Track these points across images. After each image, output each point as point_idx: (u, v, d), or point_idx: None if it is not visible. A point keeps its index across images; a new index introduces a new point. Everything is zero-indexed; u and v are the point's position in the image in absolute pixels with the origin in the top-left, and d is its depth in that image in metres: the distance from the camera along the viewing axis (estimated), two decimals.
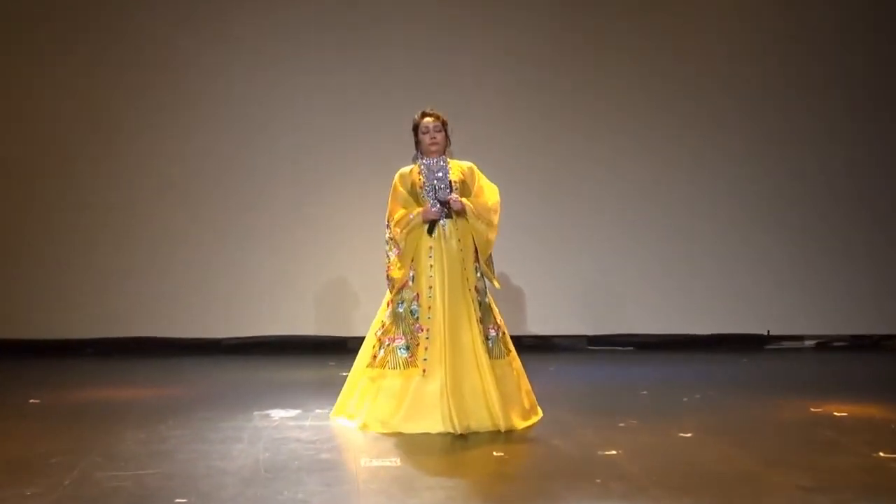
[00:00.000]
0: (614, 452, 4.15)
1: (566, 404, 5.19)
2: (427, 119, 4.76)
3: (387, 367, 4.62)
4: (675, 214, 7.85)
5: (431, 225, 4.67)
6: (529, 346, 7.08)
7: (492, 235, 4.73)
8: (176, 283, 7.53)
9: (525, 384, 4.82)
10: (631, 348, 7.85)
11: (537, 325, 7.74)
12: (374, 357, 4.68)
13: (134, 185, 7.51)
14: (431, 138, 4.74)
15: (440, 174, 4.74)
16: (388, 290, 4.75)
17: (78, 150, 7.48)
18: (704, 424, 4.71)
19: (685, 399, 5.48)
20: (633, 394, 5.67)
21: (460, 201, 4.68)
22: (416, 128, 4.80)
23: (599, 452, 4.16)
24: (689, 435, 4.50)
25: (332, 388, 5.15)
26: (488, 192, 4.79)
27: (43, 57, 7.43)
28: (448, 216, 4.67)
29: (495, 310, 4.83)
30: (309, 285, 7.63)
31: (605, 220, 7.81)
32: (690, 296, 7.80)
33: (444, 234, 4.68)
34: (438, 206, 4.67)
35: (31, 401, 5.36)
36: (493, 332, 4.74)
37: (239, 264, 7.58)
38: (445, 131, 4.77)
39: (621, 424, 4.72)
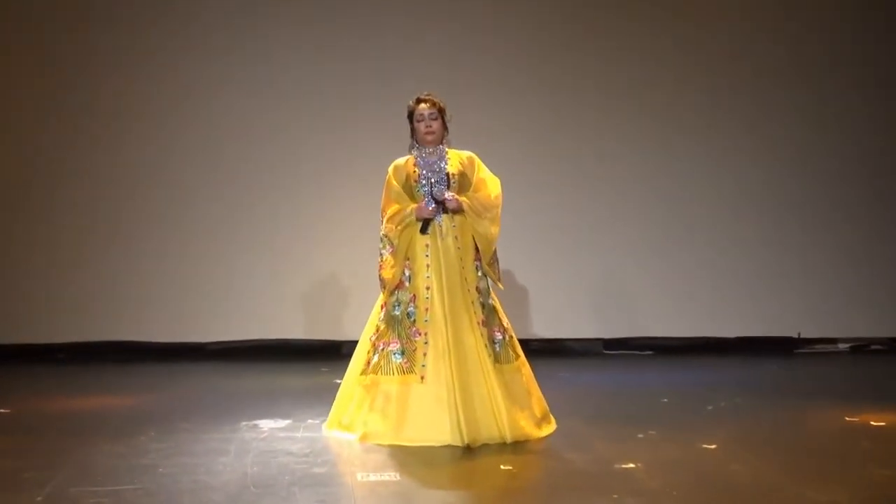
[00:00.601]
0: (632, 466, 4.15)
1: (579, 414, 5.19)
2: (422, 106, 4.75)
3: (381, 373, 4.62)
4: (698, 212, 7.87)
5: (425, 224, 4.68)
6: (538, 351, 7.07)
7: (493, 232, 4.73)
8: (156, 284, 7.57)
9: (536, 391, 4.83)
10: (650, 352, 7.87)
11: (547, 328, 7.76)
12: (368, 363, 4.69)
13: (113, 183, 7.56)
14: (427, 126, 4.73)
15: (436, 167, 4.74)
16: (381, 292, 4.77)
17: (58, 150, 7.56)
18: (730, 435, 4.72)
19: (709, 407, 5.49)
20: (652, 402, 5.68)
21: (456, 199, 4.68)
22: (411, 115, 4.79)
23: (616, 466, 4.16)
24: (713, 447, 4.50)
25: (325, 397, 5.17)
26: (490, 185, 4.79)
27: (28, 67, 7.56)
28: (444, 212, 4.68)
29: (501, 312, 4.84)
30: (299, 285, 7.67)
31: (621, 216, 7.84)
32: (715, 296, 7.82)
33: (440, 231, 4.69)
34: (434, 203, 4.67)
35: None
36: (498, 335, 4.75)
37: (225, 263, 7.62)
38: (443, 119, 4.75)
39: (640, 435, 4.73)
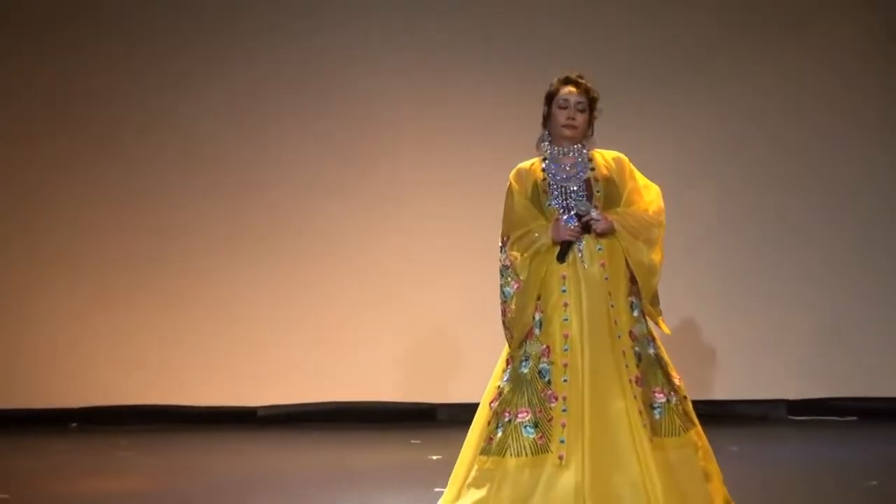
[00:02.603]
0: None
1: (759, 500, 5.08)
2: (569, 89, 4.70)
3: (508, 453, 4.51)
4: None
5: (564, 248, 4.58)
6: (700, 416, 6.86)
7: (654, 260, 4.64)
8: (195, 335, 7.75)
9: (716, 471, 4.68)
10: (854, 418, 7.73)
11: (711, 386, 7.70)
12: (491, 439, 4.58)
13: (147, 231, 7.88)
14: (569, 117, 4.67)
15: (574, 172, 4.66)
16: (505, 343, 4.68)
17: (75, 207, 7.92)
18: None
19: None
20: (857, 485, 5.58)
21: (606, 218, 4.59)
22: (550, 97, 4.74)
23: None
24: None
25: (419, 479, 5.19)
26: (648, 196, 4.71)
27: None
28: (587, 232, 4.59)
29: (669, 365, 4.70)
30: (377, 332, 7.73)
31: (814, 242, 7.78)
32: None
33: (583, 258, 4.61)
34: (575, 221, 4.58)
35: None
36: (660, 398, 4.62)
37: (277, 307, 7.79)
38: (591, 112, 4.71)
39: None
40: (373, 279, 7.80)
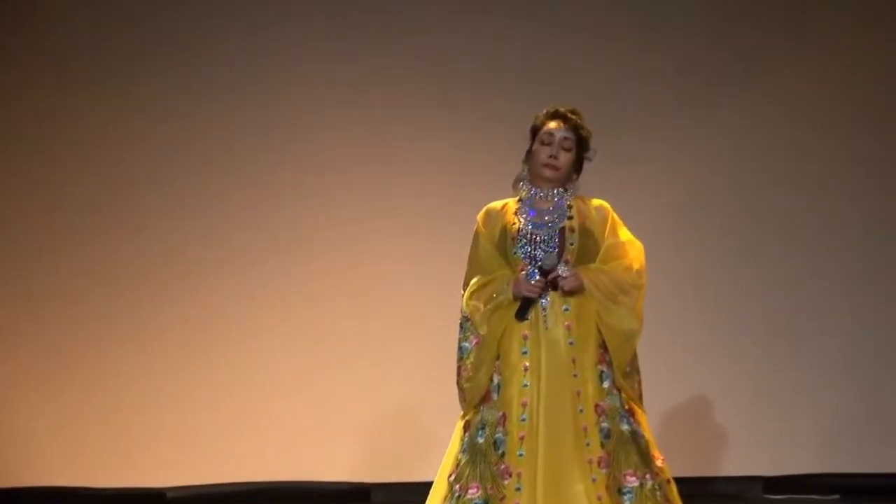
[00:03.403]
0: None
1: None
2: (555, 123, 4.66)
3: None
4: None
5: (524, 305, 4.54)
6: None
7: (631, 327, 4.58)
8: (97, 411, 7.66)
9: None
10: (836, 496, 7.72)
11: (679, 463, 7.49)
12: None
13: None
14: (551, 155, 4.62)
15: (548, 219, 4.62)
16: (461, 408, 4.65)
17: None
18: None
19: None
20: None
21: (576, 276, 4.54)
22: (534, 131, 4.71)
23: None
24: None
25: None
26: (629, 254, 4.65)
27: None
28: (554, 289, 4.55)
29: (650, 444, 4.63)
30: (302, 404, 7.67)
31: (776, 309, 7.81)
32: None
33: (545, 318, 4.56)
34: (538, 275, 4.53)
35: None
36: (632, 482, 4.53)
37: (190, 376, 7.71)
38: (580, 151, 4.68)
39: None
40: (297, 348, 7.76)
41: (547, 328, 4.54)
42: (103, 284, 7.78)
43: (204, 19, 7.88)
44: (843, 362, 7.80)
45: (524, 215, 4.65)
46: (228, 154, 7.84)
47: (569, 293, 4.54)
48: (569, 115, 4.67)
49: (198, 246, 7.83)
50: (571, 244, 4.60)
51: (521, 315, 4.53)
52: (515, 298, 4.55)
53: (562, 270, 4.54)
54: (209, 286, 7.80)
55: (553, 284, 4.54)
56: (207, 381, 7.71)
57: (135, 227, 7.83)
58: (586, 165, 4.77)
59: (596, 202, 4.71)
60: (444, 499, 4.56)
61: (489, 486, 4.47)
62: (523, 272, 4.55)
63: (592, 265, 4.61)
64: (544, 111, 4.72)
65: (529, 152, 4.70)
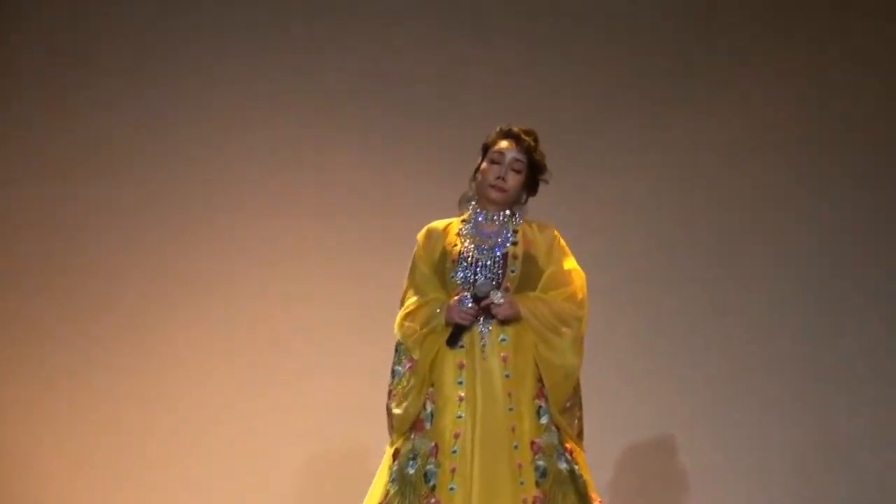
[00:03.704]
0: None
1: None
2: (507, 142, 4.56)
3: None
4: None
5: (455, 332, 4.46)
6: None
7: (571, 362, 4.49)
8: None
9: None
10: None
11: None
12: None
13: None
14: (498, 176, 4.53)
15: (491, 243, 4.54)
16: (388, 434, 4.57)
17: None
18: None
19: None
20: None
21: (511, 304, 4.44)
22: (486, 148, 4.62)
23: None
24: None
25: None
26: (572, 283, 4.54)
27: None
28: (490, 317, 4.47)
29: (587, 485, 4.51)
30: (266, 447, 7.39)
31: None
32: None
33: (482, 347, 4.48)
34: (470, 302, 4.44)
35: None
36: None
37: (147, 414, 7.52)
38: (532, 173, 4.58)
39: None
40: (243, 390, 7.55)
41: (484, 358, 4.46)
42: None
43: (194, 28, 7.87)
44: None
45: (467, 238, 4.57)
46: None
47: (504, 321, 4.46)
48: (522, 135, 4.58)
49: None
50: (513, 271, 4.52)
51: (452, 342, 4.46)
52: (447, 324, 4.46)
53: (496, 298, 4.44)
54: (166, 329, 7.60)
55: (487, 312, 4.46)
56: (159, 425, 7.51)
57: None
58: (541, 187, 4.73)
59: (543, 226, 4.63)
60: None
61: None
62: (456, 298, 4.47)
63: (532, 293, 4.52)
64: (497, 128, 4.63)
65: (478, 170, 4.61)
